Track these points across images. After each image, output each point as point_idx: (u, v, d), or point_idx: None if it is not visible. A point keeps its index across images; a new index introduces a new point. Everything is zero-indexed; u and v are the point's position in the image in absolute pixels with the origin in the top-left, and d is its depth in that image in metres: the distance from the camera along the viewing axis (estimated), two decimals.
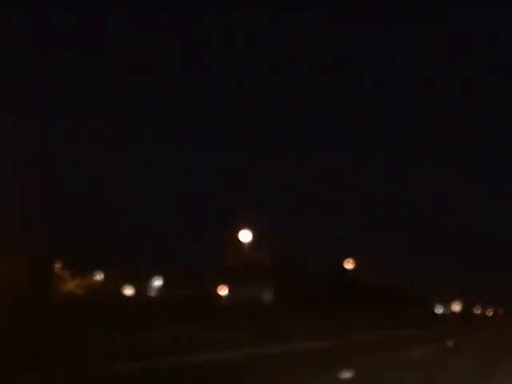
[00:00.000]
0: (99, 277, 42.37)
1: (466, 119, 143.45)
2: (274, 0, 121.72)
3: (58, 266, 34.82)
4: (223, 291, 56.57)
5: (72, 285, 37.21)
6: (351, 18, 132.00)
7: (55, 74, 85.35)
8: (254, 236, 39.65)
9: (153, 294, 46.89)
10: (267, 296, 56.37)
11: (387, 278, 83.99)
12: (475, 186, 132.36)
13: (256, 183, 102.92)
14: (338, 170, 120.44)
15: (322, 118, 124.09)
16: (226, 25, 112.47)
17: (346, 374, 16.27)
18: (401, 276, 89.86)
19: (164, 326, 24.63)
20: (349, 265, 60.11)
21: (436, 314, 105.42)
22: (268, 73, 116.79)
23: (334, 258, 67.80)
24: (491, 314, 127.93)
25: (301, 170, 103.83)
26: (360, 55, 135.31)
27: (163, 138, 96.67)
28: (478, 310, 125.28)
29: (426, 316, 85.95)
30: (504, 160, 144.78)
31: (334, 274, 67.38)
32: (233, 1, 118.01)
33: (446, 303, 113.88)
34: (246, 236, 40.19)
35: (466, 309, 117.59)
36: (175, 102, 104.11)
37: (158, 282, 47.90)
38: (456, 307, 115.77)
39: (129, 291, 43.75)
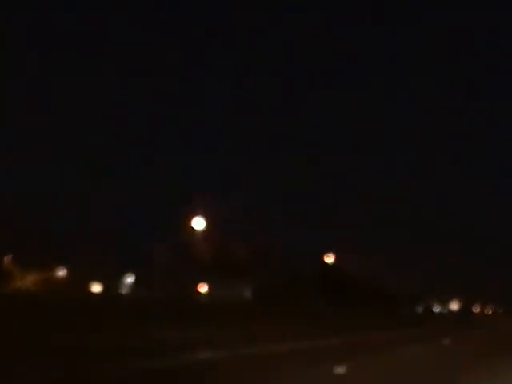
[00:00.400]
0: (62, 273, 40.74)
1: (465, 119, 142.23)
2: (273, 0, 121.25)
3: (6, 260, 33.27)
4: (203, 289, 55.09)
5: (21, 281, 35.52)
6: (351, 18, 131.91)
7: (55, 73, 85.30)
8: (207, 224, 37.68)
9: (125, 291, 45.27)
10: (249, 294, 54.92)
11: (388, 277, 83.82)
12: (475, 185, 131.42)
13: (256, 183, 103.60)
14: (337, 170, 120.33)
15: (321, 118, 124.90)
16: (226, 25, 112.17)
17: None
18: (401, 276, 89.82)
19: (153, 326, 23.88)
20: (329, 259, 58.22)
21: (433, 313, 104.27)
22: (268, 73, 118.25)
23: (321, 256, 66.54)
24: (490, 312, 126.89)
25: (301, 169, 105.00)
26: (360, 55, 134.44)
27: (163, 137, 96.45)
28: (476, 309, 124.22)
29: (412, 316, 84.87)
30: (504, 160, 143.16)
31: (318, 272, 66.12)
32: (233, 1, 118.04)
33: (444, 302, 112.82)
34: (199, 223, 38.21)
35: (465, 308, 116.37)
36: (175, 101, 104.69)
37: (130, 279, 46.24)
38: (454, 306, 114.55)
39: (96, 288, 42.16)
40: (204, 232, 37.82)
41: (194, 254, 42.68)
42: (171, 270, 44.51)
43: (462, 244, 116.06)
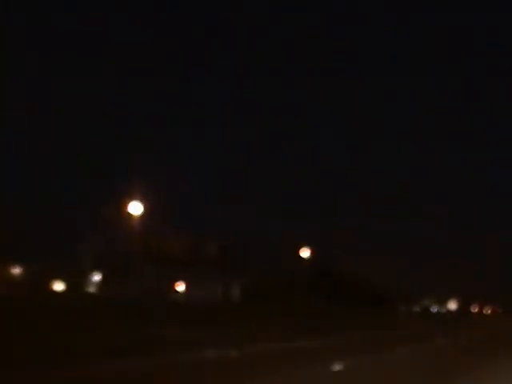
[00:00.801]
0: (17, 271, 39.12)
1: (465, 119, 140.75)
2: (273, 0, 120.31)
3: None
4: (180, 287, 53.69)
5: None
6: (351, 18, 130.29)
7: (55, 73, 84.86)
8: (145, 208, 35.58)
9: (92, 289, 43.69)
10: (230, 293, 53.51)
11: (387, 277, 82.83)
12: (475, 185, 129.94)
13: (256, 183, 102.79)
14: (337, 170, 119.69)
15: (321, 118, 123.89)
16: (226, 25, 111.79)
17: None
18: (402, 275, 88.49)
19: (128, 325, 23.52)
20: (305, 253, 56.47)
21: (431, 312, 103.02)
22: (268, 73, 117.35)
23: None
24: (489, 312, 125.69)
25: (301, 169, 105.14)
26: (360, 55, 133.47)
27: (163, 137, 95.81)
28: (475, 309, 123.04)
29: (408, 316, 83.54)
30: (504, 160, 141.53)
31: (312, 271, 64.75)
32: (233, 1, 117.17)
33: (443, 302, 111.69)
34: (136, 208, 36.03)
35: (464, 307, 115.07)
36: (175, 101, 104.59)
37: (97, 277, 44.63)
38: (452, 306, 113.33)
39: (59, 286, 40.58)
40: (141, 217, 35.78)
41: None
42: (138, 266, 42.90)
43: (462, 244, 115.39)
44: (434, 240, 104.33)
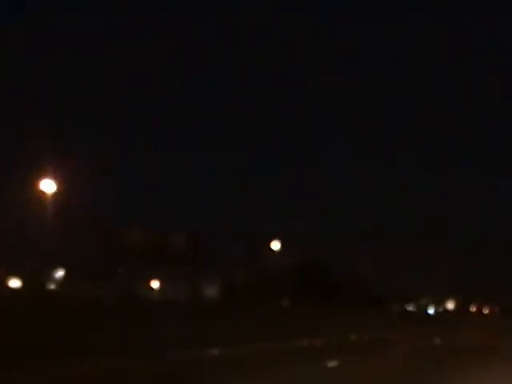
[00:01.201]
0: None
1: (465, 119, 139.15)
2: (274, 0, 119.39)
3: None
4: (155, 284, 51.73)
5: None
6: (351, 18, 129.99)
7: (55, 74, 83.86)
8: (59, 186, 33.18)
9: (53, 286, 41.33)
10: (205, 291, 51.45)
11: (386, 277, 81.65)
12: (475, 186, 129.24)
13: (256, 183, 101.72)
14: (337, 170, 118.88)
15: (321, 117, 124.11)
16: (226, 25, 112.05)
17: None
18: (402, 275, 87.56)
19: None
20: (275, 246, 54.29)
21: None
22: (268, 73, 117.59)
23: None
24: (487, 312, 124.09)
25: (301, 169, 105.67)
26: (360, 55, 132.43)
27: (163, 137, 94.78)
28: (473, 308, 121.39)
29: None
30: (504, 160, 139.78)
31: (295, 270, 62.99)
32: (233, 1, 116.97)
33: (440, 302, 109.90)
34: (49, 186, 33.42)
35: (462, 307, 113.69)
36: (175, 101, 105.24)
37: (59, 273, 42.28)
38: (449, 305, 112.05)
39: (15, 283, 38.21)
40: (55, 195, 33.31)
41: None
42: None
43: (462, 244, 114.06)
44: (434, 240, 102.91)
